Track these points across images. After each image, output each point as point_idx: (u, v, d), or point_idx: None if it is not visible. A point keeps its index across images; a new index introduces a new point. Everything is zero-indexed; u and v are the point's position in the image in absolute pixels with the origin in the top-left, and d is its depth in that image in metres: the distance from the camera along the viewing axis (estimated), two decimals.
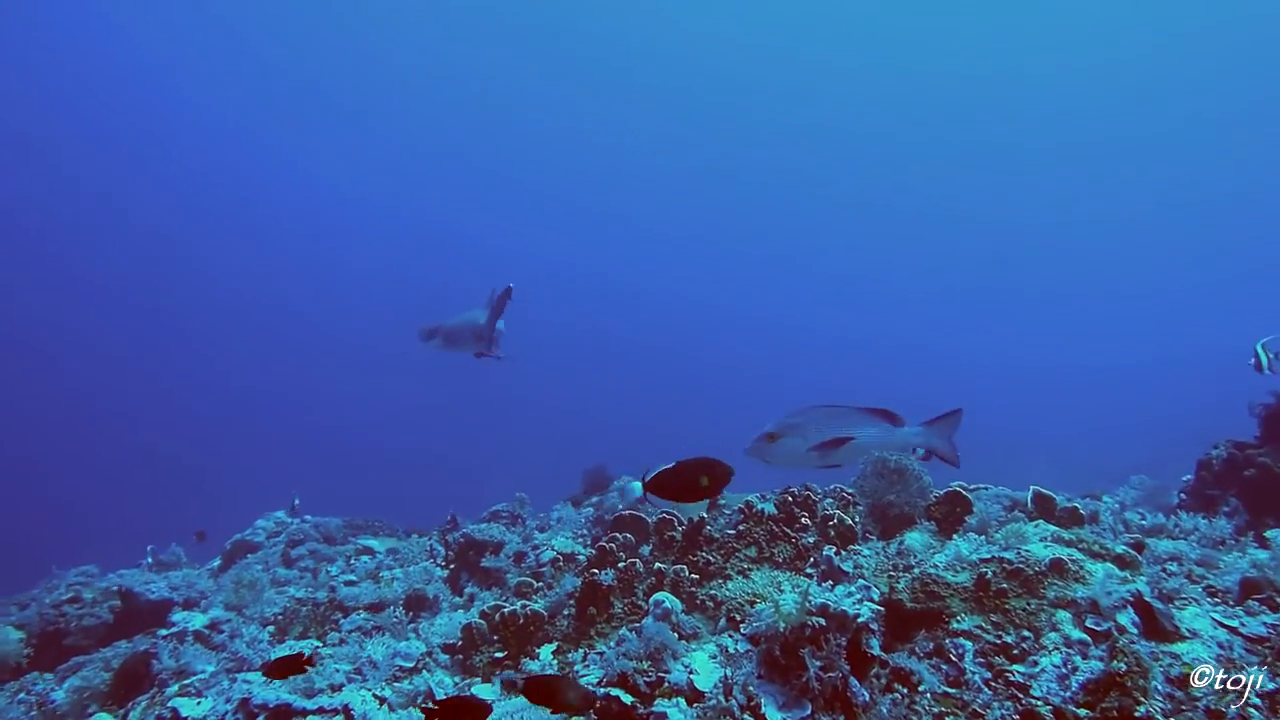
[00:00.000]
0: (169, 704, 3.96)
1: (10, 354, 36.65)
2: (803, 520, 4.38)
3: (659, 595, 4.16)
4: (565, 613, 4.57)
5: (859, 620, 3.18)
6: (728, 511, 5.61)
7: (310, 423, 37.07)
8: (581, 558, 5.99)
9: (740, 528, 4.53)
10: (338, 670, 4.34)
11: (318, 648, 4.64)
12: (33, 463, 32.04)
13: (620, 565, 4.58)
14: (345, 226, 49.75)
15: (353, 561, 6.59)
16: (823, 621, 3.13)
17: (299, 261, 46.90)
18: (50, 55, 37.78)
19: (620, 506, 7.75)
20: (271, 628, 5.05)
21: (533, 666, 4.04)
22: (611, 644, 4.16)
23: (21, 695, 5.17)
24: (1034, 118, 46.81)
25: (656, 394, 43.19)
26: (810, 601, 3.17)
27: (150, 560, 7.43)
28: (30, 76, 37.73)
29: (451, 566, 6.01)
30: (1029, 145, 47.44)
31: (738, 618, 3.55)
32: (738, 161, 51.30)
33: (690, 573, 4.38)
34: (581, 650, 4.15)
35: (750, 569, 4.23)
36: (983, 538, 3.81)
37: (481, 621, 4.55)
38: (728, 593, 3.69)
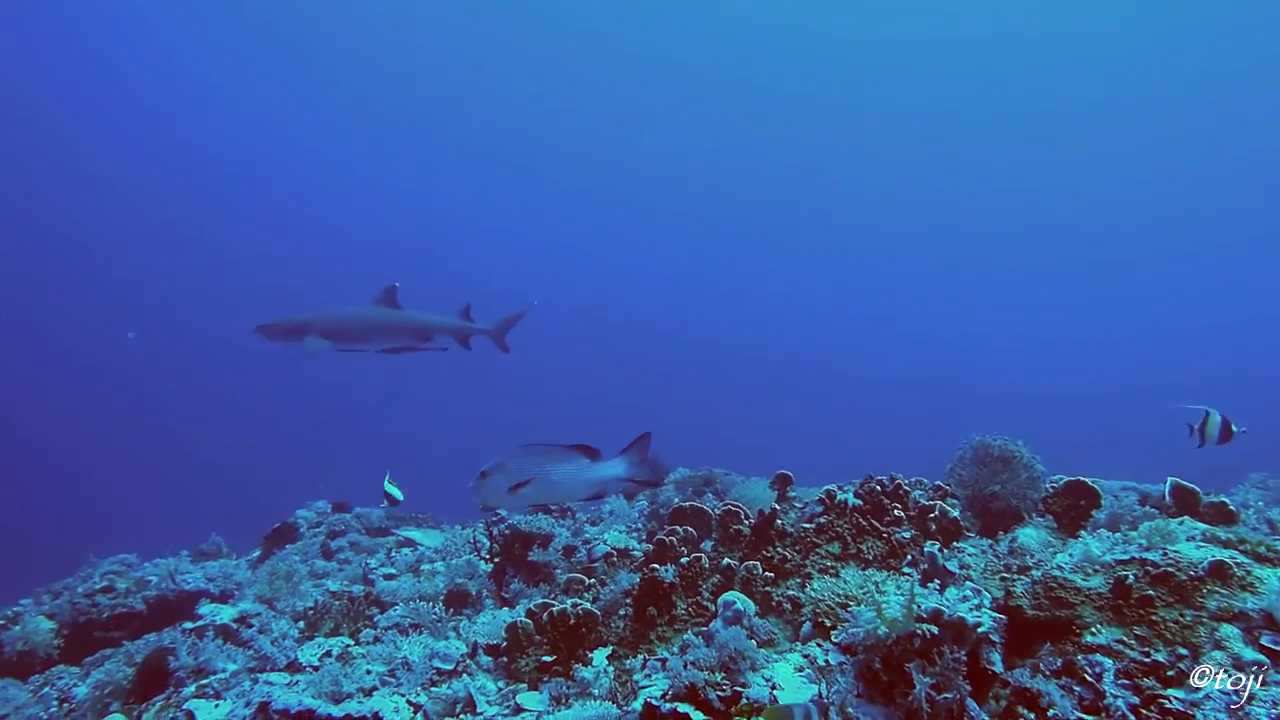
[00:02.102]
0: (184, 706, 3.59)
1: (49, 345, 37.53)
2: (894, 512, 3.82)
3: (729, 595, 3.66)
4: (621, 613, 4.08)
5: (979, 630, 2.62)
6: (799, 504, 5.08)
7: (350, 411, 37.27)
8: (637, 553, 5.50)
9: (820, 520, 4.00)
10: (369, 672, 3.92)
11: (349, 646, 4.23)
12: (76, 451, 32.78)
13: (683, 561, 4.09)
14: (375, 218, 49.92)
15: (393, 554, 6.19)
16: (934, 630, 2.59)
17: (324, 249, 47.06)
18: (52, 43, 38.40)
19: (677, 500, 7.27)
20: (302, 623, 4.66)
21: (585, 674, 3.56)
22: (675, 649, 3.66)
23: (46, 689, 4.89)
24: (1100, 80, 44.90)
25: (701, 386, 42.59)
26: (919, 606, 2.62)
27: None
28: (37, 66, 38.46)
29: (496, 560, 5.57)
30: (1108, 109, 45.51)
31: (827, 623, 3.01)
32: (761, 144, 50.24)
33: (764, 570, 3.86)
34: (640, 656, 3.66)
35: (835, 567, 3.69)
36: (1117, 535, 3.21)
37: (528, 621, 4.09)
38: (813, 593, 3.16)
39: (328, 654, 4.10)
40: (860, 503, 4.00)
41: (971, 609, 2.65)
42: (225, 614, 4.81)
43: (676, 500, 7.26)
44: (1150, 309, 45.70)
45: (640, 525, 6.51)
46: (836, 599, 3.01)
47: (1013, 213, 48.51)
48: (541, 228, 51.95)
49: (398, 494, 6.25)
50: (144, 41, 41.52)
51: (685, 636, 3.69)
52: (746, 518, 4.85)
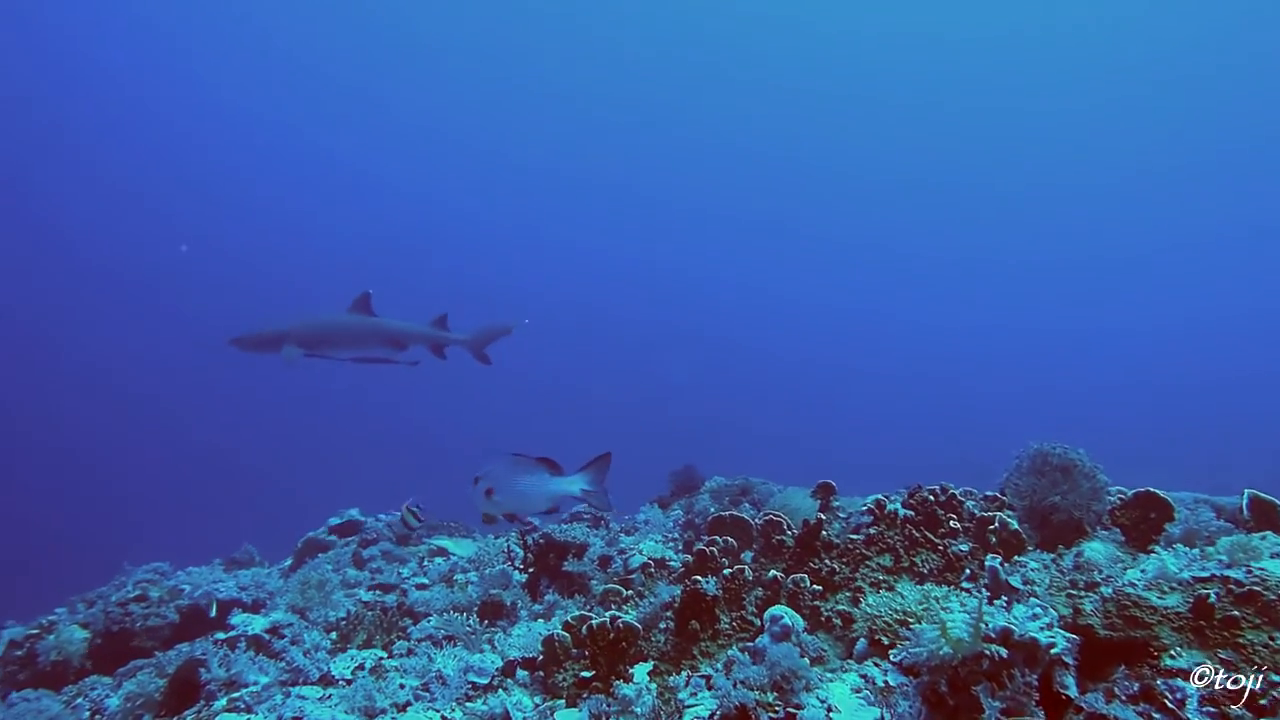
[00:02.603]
0: (215, 719, 3.50)
1: (81, 355, 37.99)
2: (950, 524, 3.65)
3: (776, 609, 3.50)
4: (662, 626, 3.94)
5: (1053, 651, 2.45)
6: (842, 515, 4.91)
7: (378, 420, 37.41)
8: (674, 564, 5.36)
9: (870, 531, 3.83)
10: (403, 686, 3.81)
11: (382, 659, 4.13)
12: (109, 460, 33.15)
13: (726, 573, 3.94)
14: (388, 219, 49.82)
15: (426, 563, 6.11)
16: (1004, 652, 2.42)
17: (345, 253, 47.15)
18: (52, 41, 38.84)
19: (713, 509, 7.11)
20: (334, 634, 4.57)
21: (626, 690, 3.42)
22: (719, 666, 3.51)
23: (79, 700, 4.84)
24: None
25: (737, 392, 42.27)
26: (986, 625, 2.46)
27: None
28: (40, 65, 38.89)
29: (530, 571, 5.46)
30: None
31: (884, 641, 2.84)
32: (769, 139, 49.75)
33: (811, 583, 3.70)
34: (684, 673, 3.51)
35: (888, 580, 3.52)
36: (1194, 551, 3.01)
37: (565, 634, 3.95)
38: (868, 609, 3.00)
39: (360, 667, 4.00)
40: (911, 513, 3.83)
41: (1043, 628, 2.48)
42: (257, 624, 4.73)
43: (713, 509, 7.10)
44: (1171, 300, 45.07)
45: (676, 535, 6.37)
46: (894, 615, 2.85)
47: (1035, 209, 47.84)
48: (551, 226, 51.80)
49: (413, 521, 6.22)
50: (148, 46, 42.04)
51: (730, 652, 3.54)
52: (789, 528, 4.69)
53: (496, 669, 3.96)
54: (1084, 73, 44.35)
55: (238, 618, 4.91)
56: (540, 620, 4.75)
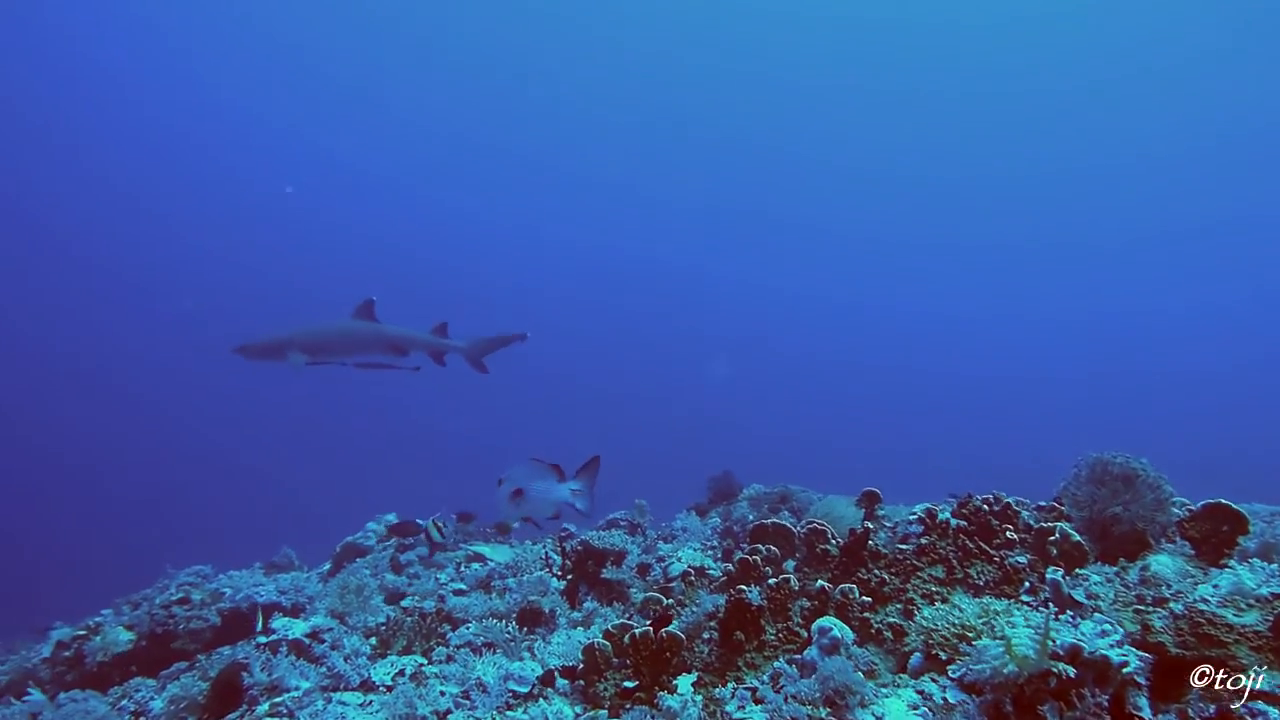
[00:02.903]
0: None
1: (118, 361, 38.66)
2: (1006, 534, 3.52)
3: (824, 621, 3.40)
4: (705, 636, 3.85)
5: (1125, 670, 2.33)
6: (888, 524, 4.79)
7: (416, 425, 37.64)
8: (714, 572, 5.27)
9: (921, 542, 3.71)
10: (443, 693, 3.77)
11: (422, 665, 4.09)
12: (153, 465, 33.76)
13: (770, 582, 3.84)
14: (410, 225, 50.12)
15: (463, 569, 6.08)
16: (1072, 671, 2.31)
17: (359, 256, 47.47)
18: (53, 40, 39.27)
19: (752, 517, 7.00)
20: (374, 640, 4.55)
21: (670, 702, 3.34)
22: (765, 678, 3.42)
23: (124, 702, 4.88)
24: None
25: (767, 394, 41.96)
26: (1054, 642, 2.34)
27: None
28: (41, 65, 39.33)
29: (569, 577, 5.40)
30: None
31: (942, 655, 2.73)
32: (772, 136, 49.17)
33: (860, 594, 3.59)
34: (730, 685, 3.42)
35: (941, 592, 3.40)
36: (1273, 567, 2.86)
37: (606, 643, 3.89)
38: (924, 621, 2.89)
39: (401, 673, 3.97)
40: (964, 523, 3.70)
41: (1113, 645, 2.36)
42: (297, 629, 4.72)
43: (751, 517, 7.00)
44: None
45: (715, 543, 6.28)
46: (952, 629, 2.73)
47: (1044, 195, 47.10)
48: (571, 227, 51.77)
49: (436, 536, 6.23)
50: (149, 46, 42.42)
51: (777, 665, 3.45)
52: (833, 537, 4.58)
53: (537, 677, 3.90)
54: (1077, 61, 43.84)
55: (278, 622, 4.91)
56: (579, 628, 4.68)
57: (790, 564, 4.90)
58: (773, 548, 4.69)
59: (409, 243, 49.29)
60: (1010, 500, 3.67)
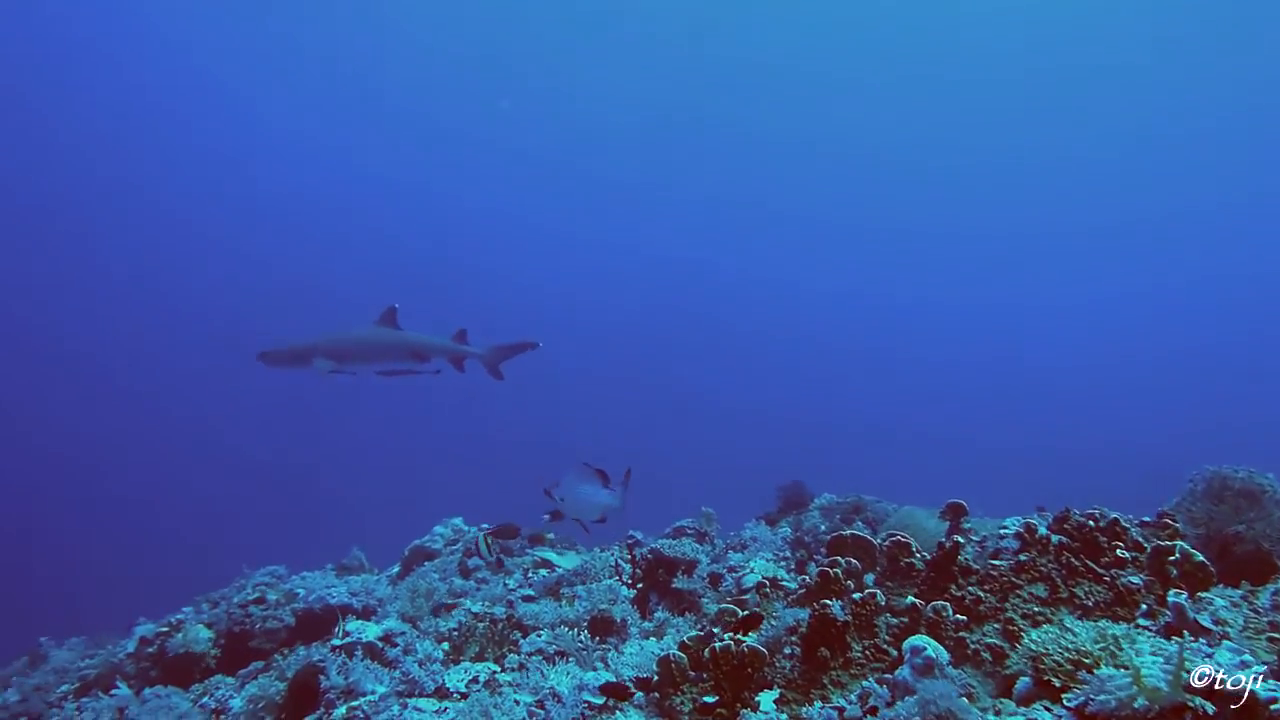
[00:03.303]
0: None
1: (193, 364, 39.73)
2: (1116, 552, 3.29)
3: (917, 640, 3.22)
4: (786, 651, 3.70)
5: (1273, 708, 2.12)
6: (976, 537, 4.57)
7: (483, 428, 37.96)
8: (787, 584, 5.11)
9: (1020, 558, 3.50)
10: (518, 703, 3.70)
11: (495, 673, 4.03)
12: (227, 467, 34.73)
13: (856, 597, 3.67)
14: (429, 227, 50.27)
15: (530, 575, 6.03)
16: (1210, 707, 2.10)
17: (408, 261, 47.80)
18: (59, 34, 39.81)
19: (823, 527, 6.81)
20: (446, 645, 4.51)
21: None
22: (852, 698, 3.26)
23: (205, 699, 4.96)
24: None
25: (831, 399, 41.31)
26: (1188, 673, 2.14)
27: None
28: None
29: (639, 586, 5.30)
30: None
31: (1055, 682, 2.54)
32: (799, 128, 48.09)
33: (955, 612, 3.40)
34: (815, 703, 3.27)
35: (1044, 613, 3.20)
36: None
37: (681, 655, 3.77)
38: (1032, 645, 2.69)
39: (474, 680, 3.92)
40: (1065, 539, 3.48)
41: (1258, 678, 2.15)
42: (370, 632, 4.73)
43: (823, 527, 6.81)
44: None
45: (788, 554, 6.10)
46: (1065, 654, 2.54)
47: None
48: (602, 228, 51.44)
49: (485, 552, 6.23)
50: (163, 46, 42.86)
51: (865, 684, 3.29)
52: (917, 550, 4.39)
53: (609, 688, 3.81)
54: (1078, 45, 42.30)
55: (352, 625, 4.92)
56: (652, 639, 4.58)
57: (869, 577, 4.72)
58: (853, 560, 4.52)
59: (438, 245, 49.61)
60: (1118, 516, 3.44)
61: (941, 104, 46.02)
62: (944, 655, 3.18)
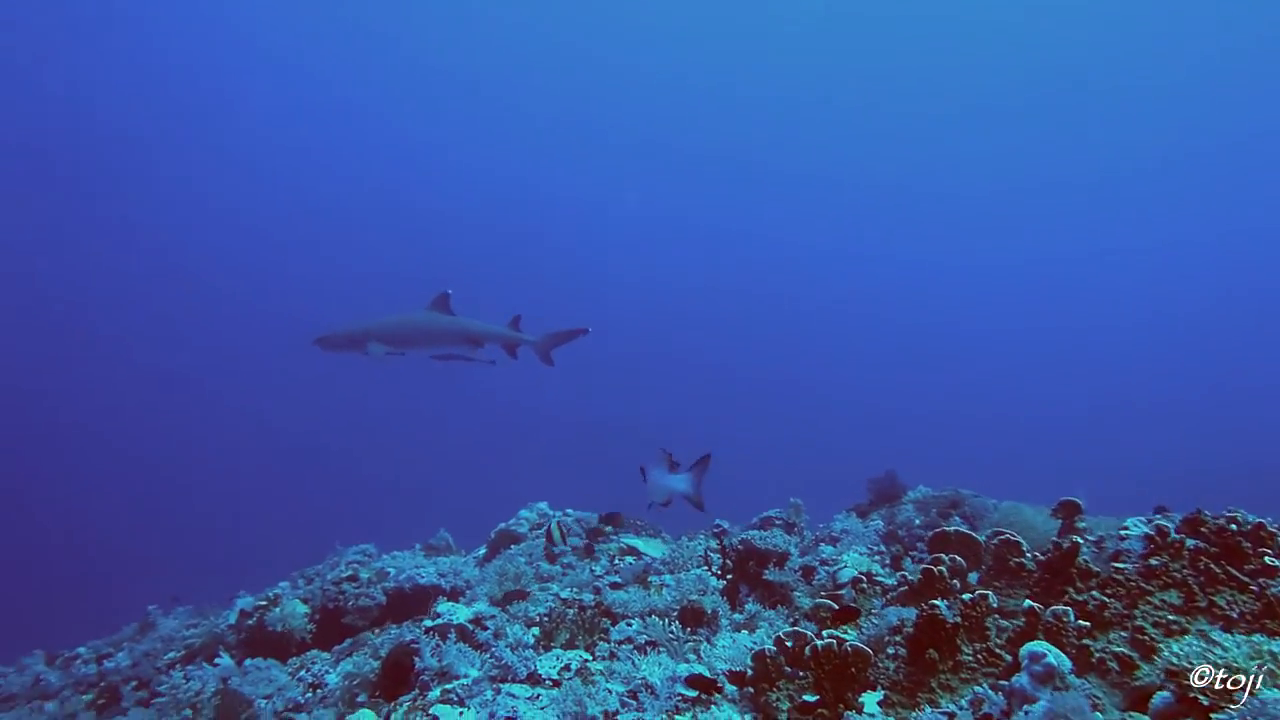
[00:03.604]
0: (431, 710, 3.48)
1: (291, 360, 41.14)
2: (1264, 559, 3.02)
3: (1037, 646, 3.02)
4: (890, 652, 3.55)
5: None
6: (1092, 537, 4.29)
7: (565, 413, 38.24)
8: (883, 579, 4.92)
9: (1151, 562, 3.25)
10: (610, 691, 3.65)
11: (586, 661, 3.99)
12: (323, 449, 35.97)
13: (965, 598, 3.48)
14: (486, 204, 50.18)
15: (617, 561, 5.99)
16: None
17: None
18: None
19: (918, 521, 6.57)
20: (536, 629, 4.49)
21: None
22: (963, 703, 3.10)
23: (302, 673, 5.07)
24: None
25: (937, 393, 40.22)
26: None
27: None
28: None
29: (729, 577, 5.19)
30: None
31: (1203, 700, 2.33)
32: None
33: (1077, 617, 3.19)
34: (925, 708, 3.11)
35: (1179, 622, 2.96)
36: None
37: (776, 650, 3.66)
38: (1174, 658, 2.48)
39: (566, 667, 3.88)
40: (1201, 543, 3.22)
41: None
42: (461, 614, 4.75)
43: (918, 521, 6.57)
44: None
45: (883, 548, 5.89)
46: (1212, 669, 2.32)
47: None
48: (720, 215, 51.03)
49: (559, 541, 6.23)
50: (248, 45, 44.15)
51: (977, 690, 3.11)
52: (1028, 550, 4.15)
53: (703, 681, 3.72)
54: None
55: (442, 606, 4.96)
56: (744, 631, 4.47)
57: (973, 576, 4.50)
58: (957, 558, 4.31)
59: (524, 232, 50.10)
60: (1264, 520, 3.16)
61: None
62: (1066, 663, 2.98)
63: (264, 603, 6.17)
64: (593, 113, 50.57)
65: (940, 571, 3.98)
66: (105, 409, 36.59)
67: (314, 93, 48.05)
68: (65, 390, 37.09)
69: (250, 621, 6.09)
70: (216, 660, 5.66)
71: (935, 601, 3.42)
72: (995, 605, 3.50)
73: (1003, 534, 4.27)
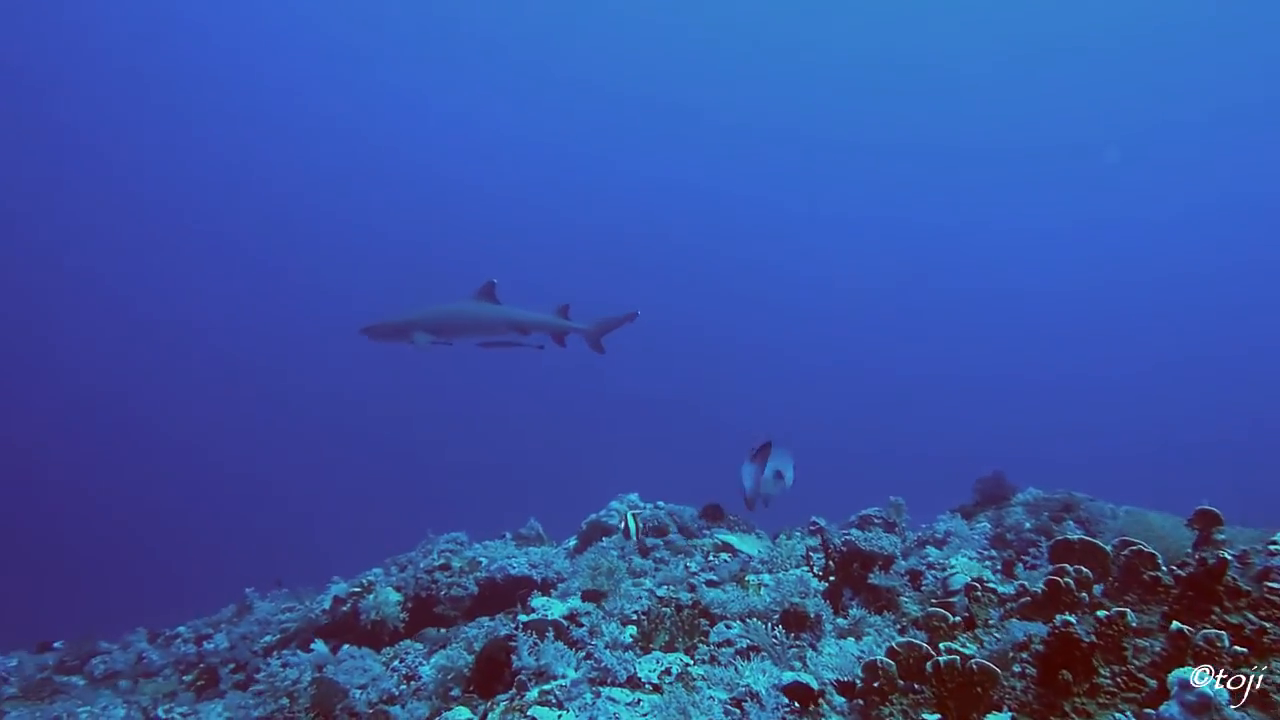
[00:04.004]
0: (528, 712, 3.41)
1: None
2: None
3: (1189, 672, 2.75)
4: (1016, 670, 3.31)
5: None
6: (1234, 550, 3.93)
7: (660, 405, 38.21)
8: (996, 587, 4.64)
9: None
10: (713, 698, 3.52)
11: (687, 665, 3.87)
12: (418, 440, 36.86)
13: (1101, 615, 3.21)
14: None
15: (712, 558, 5.85)
16: None
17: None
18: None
19: (1028, 524, 6.23)
20: (632, 628, 4.39)
21: None
22: None
23: (395, 663, 5.11)
24: None
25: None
26: None
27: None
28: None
29: (831, 579, 4.99)
30: None
31: None
32: None
33: (1232, 643, 2.89)
34: None
35: None
36: None
37: (890, 661, 3.46)
38: None
39: (666, 671, 3.76)
40: None
41: None
42: (556, 609, 4.69)
43: (1028, 525, 6.23)
44: None
45: (993, 552, 5.60)
46: None
47: None
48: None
49: (632, 528, 6.14)
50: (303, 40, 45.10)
51: (1117, 717, 2.86)
52: (1164, 563, 3.83)
53: (813, 690, 3.55)
54: None
55: (537, 600, 4.92)
56: (850, 638, 4.28)
57: (1097, 589, 4.19)
58: (1083, 569, 4.01)
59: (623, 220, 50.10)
60: None
61: None
62: (1223, 694, 2.70)
63: (358, 589, 6.26)
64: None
65: (1067, 583, 3.71)
66: (209, 402, 38.39)
67: (381, 86, 49.09)
68: (173, 386, 39.02)
69: (344, 608, 6.19)
70: (312, 646, 5.76)
71: (1070, 618, 3.16)
72: (1134, 624, 3.22)
73: (1134, 545, 3.95)
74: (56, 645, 7.63)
